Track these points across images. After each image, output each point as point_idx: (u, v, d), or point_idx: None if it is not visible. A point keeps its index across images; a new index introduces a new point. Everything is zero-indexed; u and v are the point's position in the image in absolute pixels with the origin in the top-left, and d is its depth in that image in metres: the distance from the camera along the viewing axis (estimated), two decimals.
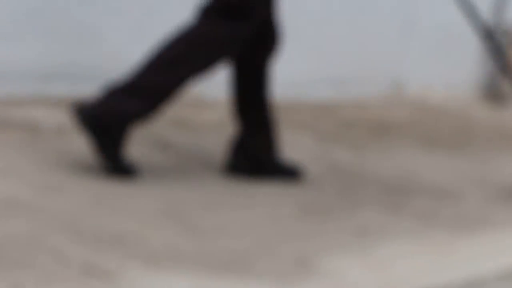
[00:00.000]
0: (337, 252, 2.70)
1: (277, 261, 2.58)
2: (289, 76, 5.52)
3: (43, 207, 2.65)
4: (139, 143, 3.35)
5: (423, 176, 3.94)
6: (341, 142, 4.45)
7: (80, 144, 3.21)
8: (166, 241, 2.57)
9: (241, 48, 3.34)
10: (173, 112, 3.61)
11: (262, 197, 3.22)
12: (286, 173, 3.50)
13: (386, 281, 2.54)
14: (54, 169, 3.05)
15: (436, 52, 6.48)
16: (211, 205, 3.00)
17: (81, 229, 2.54)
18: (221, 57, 3.30)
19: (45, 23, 4.08)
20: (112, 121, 3.10)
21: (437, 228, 3.11)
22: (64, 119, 3.42)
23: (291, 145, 4.17)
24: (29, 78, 3.95)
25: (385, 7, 6.03)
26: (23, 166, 3.03)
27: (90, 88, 3.58)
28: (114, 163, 3.11)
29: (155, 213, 2.80)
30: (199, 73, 3.27)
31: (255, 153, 3.47)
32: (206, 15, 3.28)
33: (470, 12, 3.89)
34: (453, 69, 6.71)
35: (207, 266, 2.44)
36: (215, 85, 4.02)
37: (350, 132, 4.78)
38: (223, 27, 3.27)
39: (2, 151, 3.12)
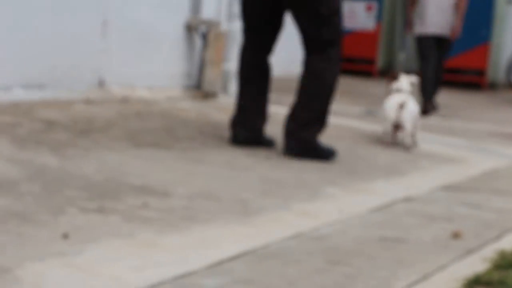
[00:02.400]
0: (42, 257, 2.58)
1: None
2: None
3: None
4: None
5: (130, 175, 3.90)
6: (42, 145, 4.29)
7: None
8: None
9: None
10: None
11: None
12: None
13: (95, 284, 2.46)
14: None
15: (138, 51, 6.51)
16: None
17: None
18: (337, 77, 4.94)
19: None
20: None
21: (144, 226, 3.07)
22: None
23: None
24: None
25: (81, 9, 5.94)
26: None
27: None
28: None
29: None
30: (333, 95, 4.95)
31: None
32: (312, 52, 4.88)
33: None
34: (156, 66, 6.78)
35: None
36: None
37: (52, 134, 4.63)
38: (331, 58, 4.87)
39: None
